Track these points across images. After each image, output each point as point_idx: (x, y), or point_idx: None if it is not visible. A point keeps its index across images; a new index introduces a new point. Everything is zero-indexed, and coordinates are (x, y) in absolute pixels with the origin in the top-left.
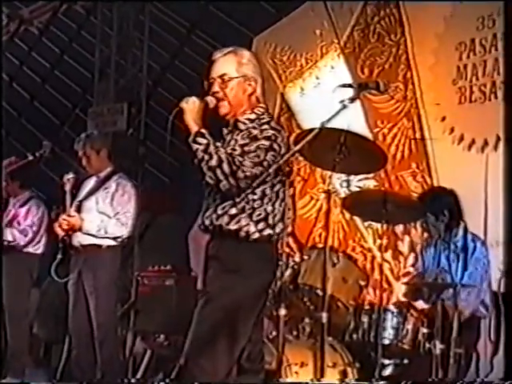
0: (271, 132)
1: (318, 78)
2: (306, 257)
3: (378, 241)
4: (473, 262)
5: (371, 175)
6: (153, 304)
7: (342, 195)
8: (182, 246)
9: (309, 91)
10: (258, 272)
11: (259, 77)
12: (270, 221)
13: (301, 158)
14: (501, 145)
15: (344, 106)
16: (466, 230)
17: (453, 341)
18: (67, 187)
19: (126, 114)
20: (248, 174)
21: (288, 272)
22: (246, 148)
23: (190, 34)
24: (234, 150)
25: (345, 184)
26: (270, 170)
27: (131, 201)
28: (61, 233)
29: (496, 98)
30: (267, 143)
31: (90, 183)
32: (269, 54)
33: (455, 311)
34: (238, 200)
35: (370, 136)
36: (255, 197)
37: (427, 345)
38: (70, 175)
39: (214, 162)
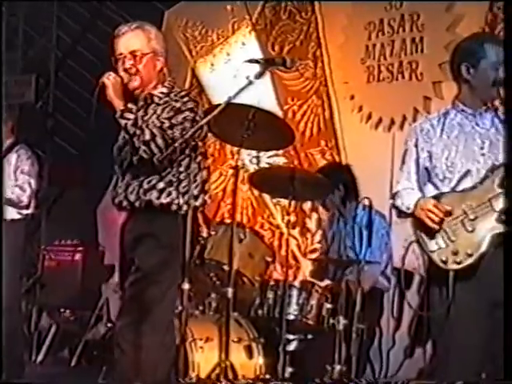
0: (193, 104)
1: (228, 54)
2: (213, 232)
3: (286, 217)
4: (374, 236)
5: (281, 152)
6: (59, 278)
7: (252, 171)
8: (90, 221)
9: (219, 67)
10: (182, 246)
11: (165, 52)
12: (195, 192)
13: (210, 134)
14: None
15: (250, 82)
16: (368, 206)
17: (356, 316)
18: None
19: (34, 86)
20: (178, 145)
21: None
22: (173, 121)
23: (101, 6)
24: (162, 122)
25: (255, 160)
26: (176, 144)
27: (32, 170)
28: None
29: (403, 77)
30: (191, 115)
31: None
32: (180, 28)
33: (358, 287)
34: (164, 174)
35: (279, 113)
36: (181, 169)
37: (331, 320)
38: None
39: (147, 137)
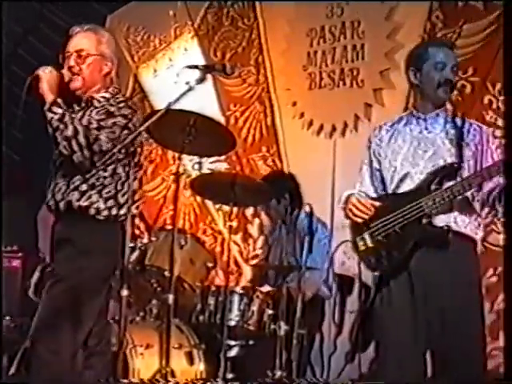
0: (128, 111)
1: (171, 60)
2: (153, 238)
3: (228, 223)
4: (315, 243)
5: (223, 158)
6: None
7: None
8: (31, 226)
9: (162, 72)
10: (107, 253)
11: (116, 58)
12: (119, 199)
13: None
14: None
15: (190, 88)
16: (310, 213)
17: (296, 322)
18: None
19: None
20: (103, 148)
21: (135, 253)
22: (102, 123)
23: (43, 9)
24: (90, 123)
25: (197, 166)
26: (115, 150)
27: None
28: None
29: (344, 84)
30: (124, 121)
31: None
32: (122, 33)
33: (299, 293)
34: (88, 176)
35: (222, 119)
36: (106, 174)
37: (272, 326)
38: None
39: (69, 132)
